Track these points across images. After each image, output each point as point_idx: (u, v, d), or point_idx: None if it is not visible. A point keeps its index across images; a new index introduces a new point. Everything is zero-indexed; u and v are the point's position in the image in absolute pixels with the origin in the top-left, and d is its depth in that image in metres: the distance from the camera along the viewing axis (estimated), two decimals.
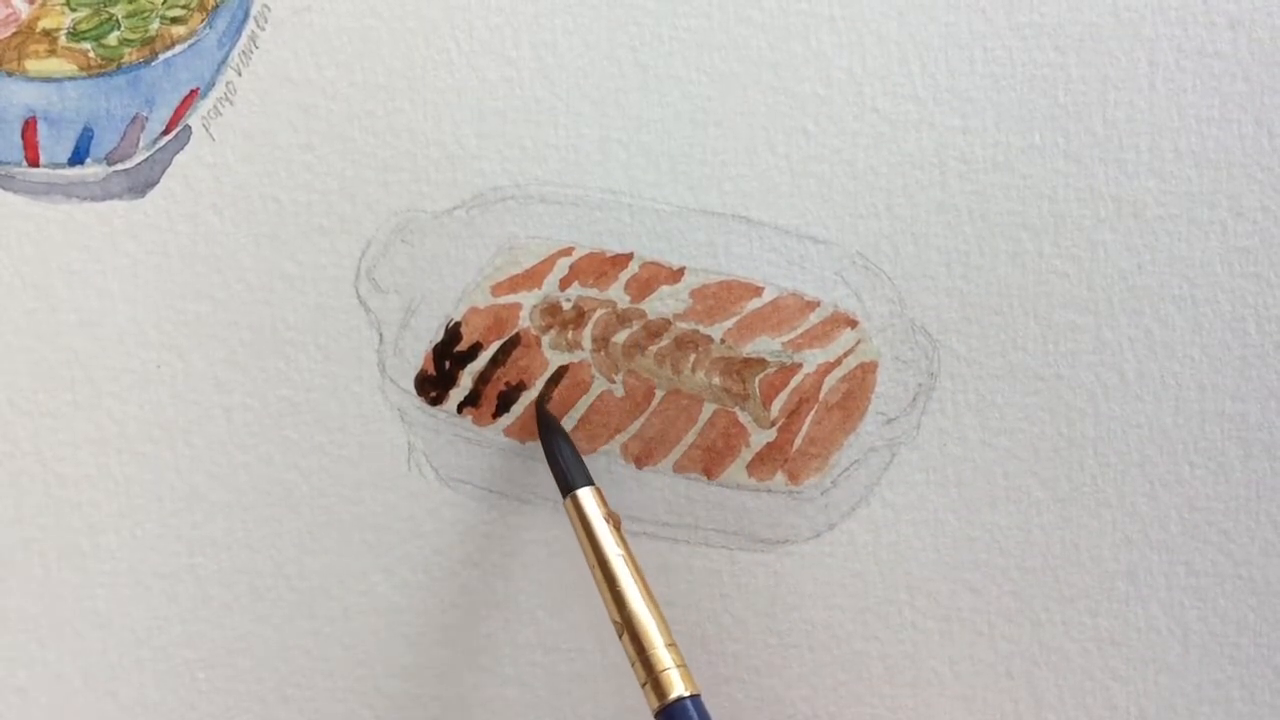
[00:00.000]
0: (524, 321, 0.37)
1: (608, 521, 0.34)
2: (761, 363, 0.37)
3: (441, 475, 0.37)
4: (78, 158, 0.37)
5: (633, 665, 0.32)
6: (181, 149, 0.37)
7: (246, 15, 0.37)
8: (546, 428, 0.36)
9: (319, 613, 0.37)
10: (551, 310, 0.37)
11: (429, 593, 0.37)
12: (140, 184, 0.37)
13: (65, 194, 0.37)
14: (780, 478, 0.37)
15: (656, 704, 0.31)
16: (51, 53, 0.36)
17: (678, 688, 0.31)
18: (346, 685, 0.37)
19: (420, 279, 0.37)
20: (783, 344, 0.37)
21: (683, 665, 0.32)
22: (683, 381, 0.37)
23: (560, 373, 0.37)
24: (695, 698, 0.31)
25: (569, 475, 0.35)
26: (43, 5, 0.36)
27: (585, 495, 0.34)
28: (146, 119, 0.37)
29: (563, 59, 0.37)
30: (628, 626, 0.32)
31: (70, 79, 0.36)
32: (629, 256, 0.37)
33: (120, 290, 0.37)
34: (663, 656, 0.32)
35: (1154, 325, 0.37)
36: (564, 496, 0.34)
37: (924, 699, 0.37)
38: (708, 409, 0.37)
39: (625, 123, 0.37)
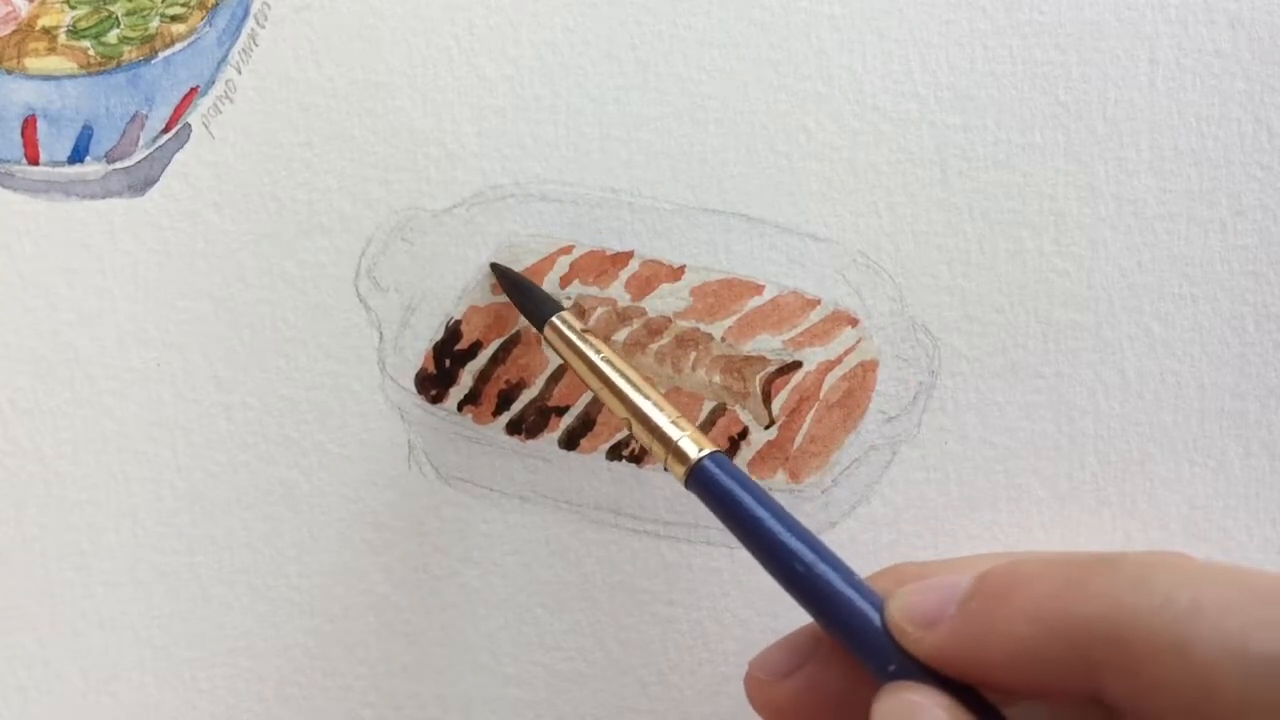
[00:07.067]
0: (524, 320, 0.37)
1: (585, 336, 0.34)
2: (762, 361, 0.37)
3: (442, 474, 0.37)
4: (77, 156, 0.37)
5: (650, 451, 0.33)
6: (181, 147, 0.37)
7: (246, 13, 0.37)
8: (504, 277, 0.36)
9: (319, 612, 0.37)
10: None
11: (429, 592, 0.37)
12: (140, 182, 0.37)
13: (65, 192, 0.37)
14: (781, 476, 0.37)
15: (681, 472, 0.32)
16: (51, 50, 0.36)
17: (693, 451, 0.32)
18: (346, 685, 0.37)
19: (420, 277, 0.37)
20: (783, 342, 0.37)
21: (696, 431, 0.32)
22: (683, 380, 0.37)
23: (561, 371, 0.37)
24: (715, 454, 0.31)
25: (538, 308, 0.35)
26: (42, 3, 0.36)
27: (558, 321, 0.35)
28: (146, 117, 0.37)
29: (563, 57, 0.37)
30: (635, 417, 0.33)
31: (70, 77, 0.36)
32: (629, 255, 0.37)
33: (120, 289, 0.37)
34: (671, 431, 0.32)
35: (1154, 323, 0.37)
36: (540, 330, 0.35)
37: None
38: (708, 407, 0.37)
39: (625, 121, 0.37)
